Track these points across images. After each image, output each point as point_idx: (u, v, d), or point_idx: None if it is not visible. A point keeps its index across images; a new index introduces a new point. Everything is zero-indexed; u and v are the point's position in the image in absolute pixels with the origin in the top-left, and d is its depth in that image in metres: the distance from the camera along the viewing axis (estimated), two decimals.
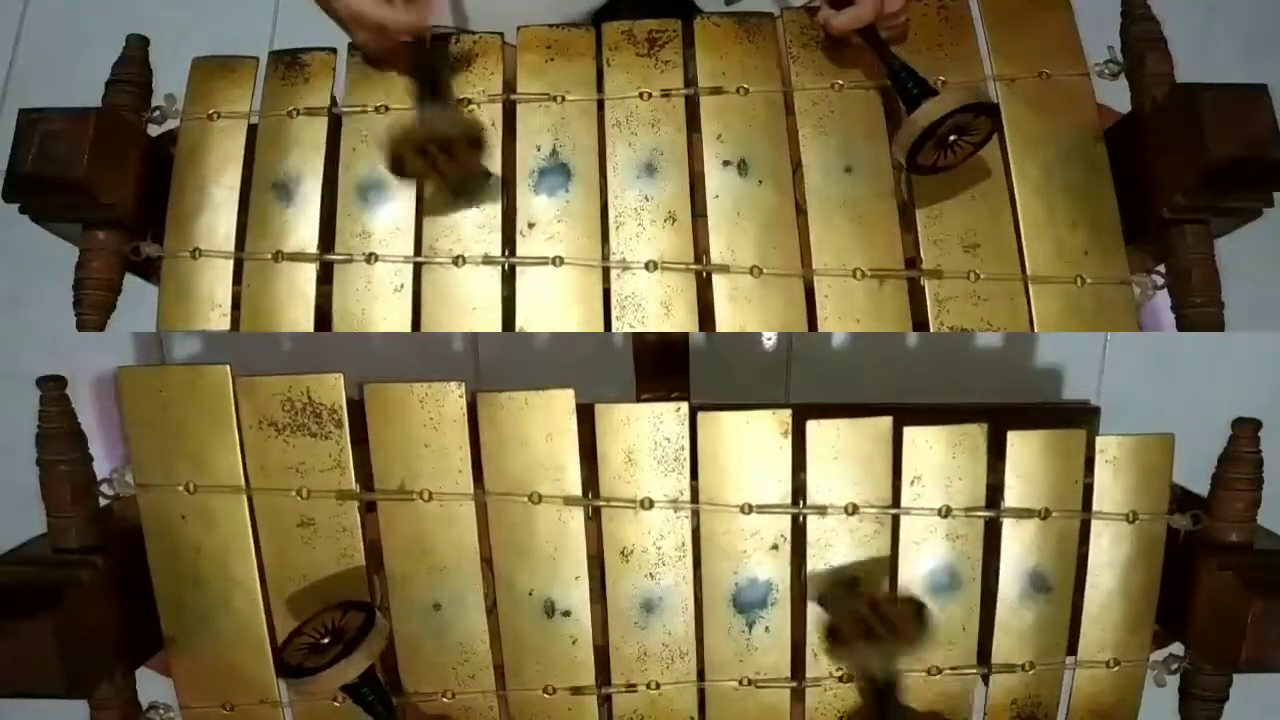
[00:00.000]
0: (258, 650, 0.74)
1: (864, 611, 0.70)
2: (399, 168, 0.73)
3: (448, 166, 0.73)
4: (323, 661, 0.65)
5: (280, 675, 0.66)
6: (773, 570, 0.74)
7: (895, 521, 0.74)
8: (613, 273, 0.75)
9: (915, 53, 0.78)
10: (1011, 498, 0.74)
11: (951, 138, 0.71)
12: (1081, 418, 1.29)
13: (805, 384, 1.42)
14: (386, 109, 0.78)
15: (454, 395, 0.73)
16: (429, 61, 0.75)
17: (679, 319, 0.74)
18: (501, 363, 1.41)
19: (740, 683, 0.75)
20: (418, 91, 0.75)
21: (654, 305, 0.74)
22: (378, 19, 0.73)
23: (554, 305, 0.75)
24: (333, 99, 0.79)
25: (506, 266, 0.75)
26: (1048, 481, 0.74)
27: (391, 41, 0.75)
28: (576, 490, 0.73)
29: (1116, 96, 0.79)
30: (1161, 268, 0.77)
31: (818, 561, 0.74)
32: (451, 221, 0.76)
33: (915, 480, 0.74)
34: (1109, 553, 0.75)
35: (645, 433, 0.73)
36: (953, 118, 0.69)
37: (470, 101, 0.78)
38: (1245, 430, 0.74)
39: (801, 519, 0.74)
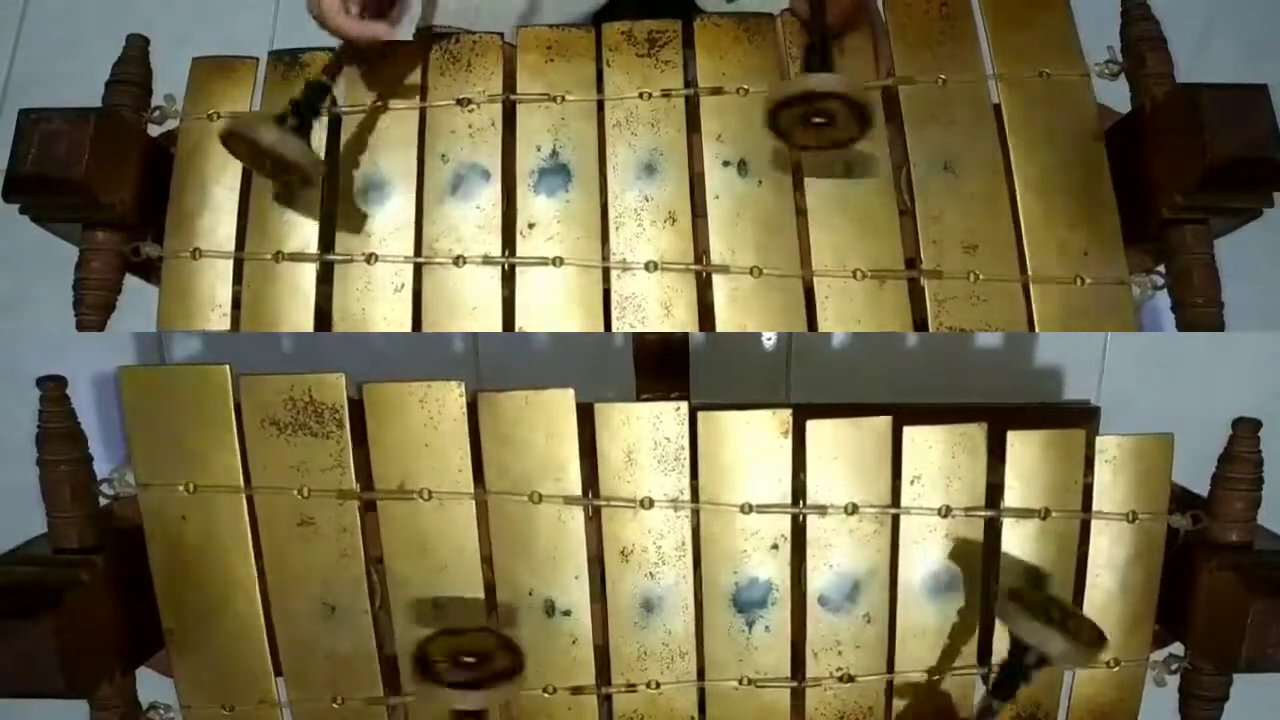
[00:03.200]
0: (258, 650, 0.74)
1: (1051, 601, 0.69)
2: (229, 147, 0.73)
3: (274, 172, 0.74)
4: (460, 679, 0.64)
5: (417, 667, 0.64)
6: (773, 570, 0.74)
7: (895, 521, 0.74)
8: (613, 273, 0.75)
9: (915, 52, 0.78)
10: (1011, 498, 0.74)
11: (817, 119, 0.69)
12: (1081, 418, 1.29)
13: (805, 384, 1.42)
14: (386, 109, 0.78)
15: (454, 395, 0.73)
16: (316, 86, 0.74)
17: (679, 319, 0.74)
18: (501, 363, 1.41)
19: (740, 682, 0.75)
20: (290, 109, 0.73)
21: (654, 305, 0.74)
22: (338, 28, 0.73)
23: (554, 305, 0.75)
24: (333, 99, 0.79)
25: (506, 266, 0.75)
26: (1048, 481, 0.74)
27: (363, 45, 0.75)
28: (576, 490, 0.73)
29: (1116, 96, 0.79)
30: (1161, 268, 0.77)
31: (818, 562, 0.74)
32: (451, 221, 0.76)
33: (915, 480, 0.74)
34: (1109, 553, 0.75)
35: (645, 432, 0.73)
36: (829, 100, 0.68)
37: (470, 102, 0.78)
38: (1245, 430, 0.74)
39: (801, 519, 0.74)
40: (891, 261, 0.75)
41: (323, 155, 0.77)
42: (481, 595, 0.74)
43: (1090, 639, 0.67)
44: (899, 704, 0.76)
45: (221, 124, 0.73)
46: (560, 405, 0.72)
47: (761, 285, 0.74)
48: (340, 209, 0.77)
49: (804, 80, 0.69)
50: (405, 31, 0.77)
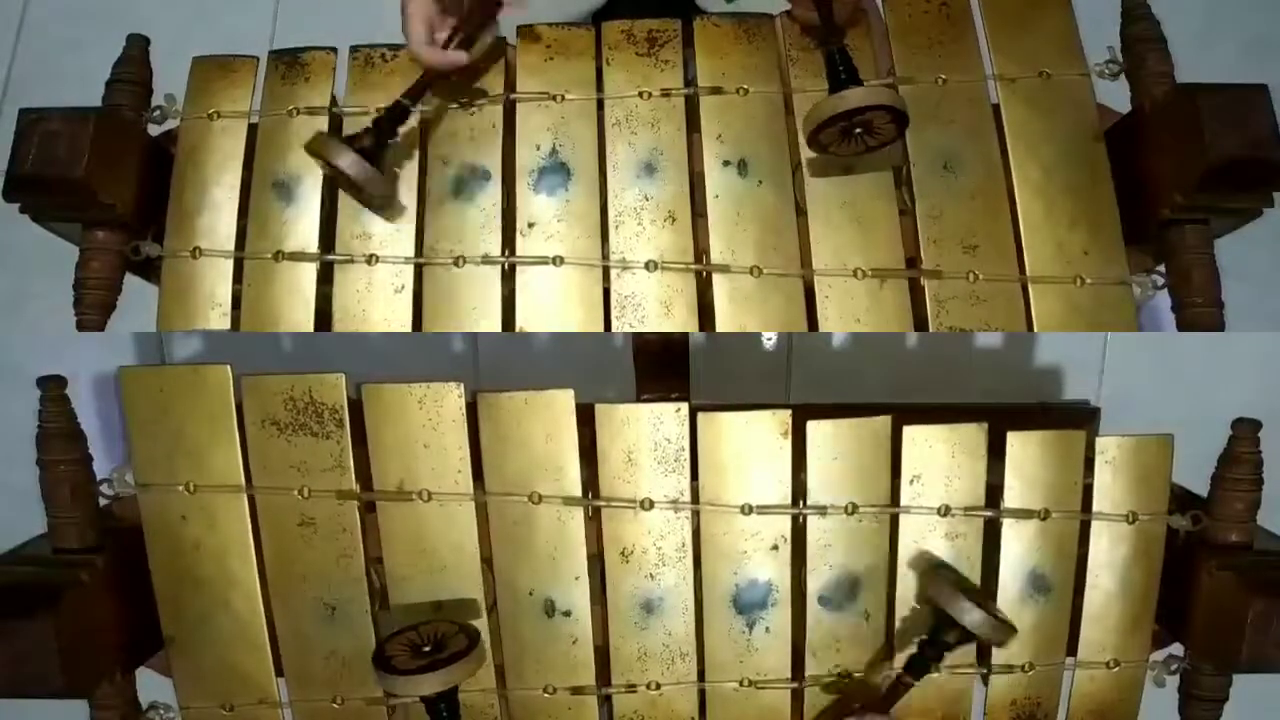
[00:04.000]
0: (258, 650, 0.74)
1: (971, 586, 0.73)
2: (313, 153, 0.74)
3: (349, 187, 0.75)
4: (415, 666, 0.66)
5: (376, 665, 0.67)
6: (773, 571, 0.74)
7: (895, 521, 0.74)
8: (613, 272, 0.75)
9: (915, 51, 0.78)
10: (1011, 498, 0.74)
11: (858, 130, 0.71)
12: (1081, 418, 1.29)
13: (805, 384, 1.42)
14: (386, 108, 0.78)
15: (454, 395, 0.73)
16: (396, 109, 0.75)
17: (679, 319, 0.74)
18: (501, 363, 1.40)
19: (740, 683, 0.75)
20: (368, 130, 0.74)
21: (654, 305, 0.74)
22: (421, 58, 0.74)
23: (554, 305, 0.75)
24: (333, 99, 0.79)
25: (506, 266, 0.75)
26: (1047, 482, 0.74)
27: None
28: (576, 490, 0.73)
29: (1116, 96, 0.79)
30: (1161, 268, 0.77)
31: (818, 562, 0.74)
32: (452, 222, 0.76)
33: (915, 480, 0.74)
34: (1109, 553, 0.75)
35: (645, 433, 0.73)
36: (867, 113, 0.69)
37: (470, 102, 0.78)
38: (1245, 430, 0.74)
39: (801, 519, 0.74)
40: (891, 261, 0.75)
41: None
42: (481, 595, 0.74)
43: (1005, 621, 0.70)
44: (899, 703, 0.76)
45: (306, 141, 0.75)
46: (560, 405, 0.72)
47: (761, 285, 0.74)
48: (340, 209, 0.77)
49: (841, 100, 0.69)
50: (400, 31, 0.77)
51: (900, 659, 0.74)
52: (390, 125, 0.74)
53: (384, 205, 0.76)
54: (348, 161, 0.71)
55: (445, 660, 0.67)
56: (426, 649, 0.68)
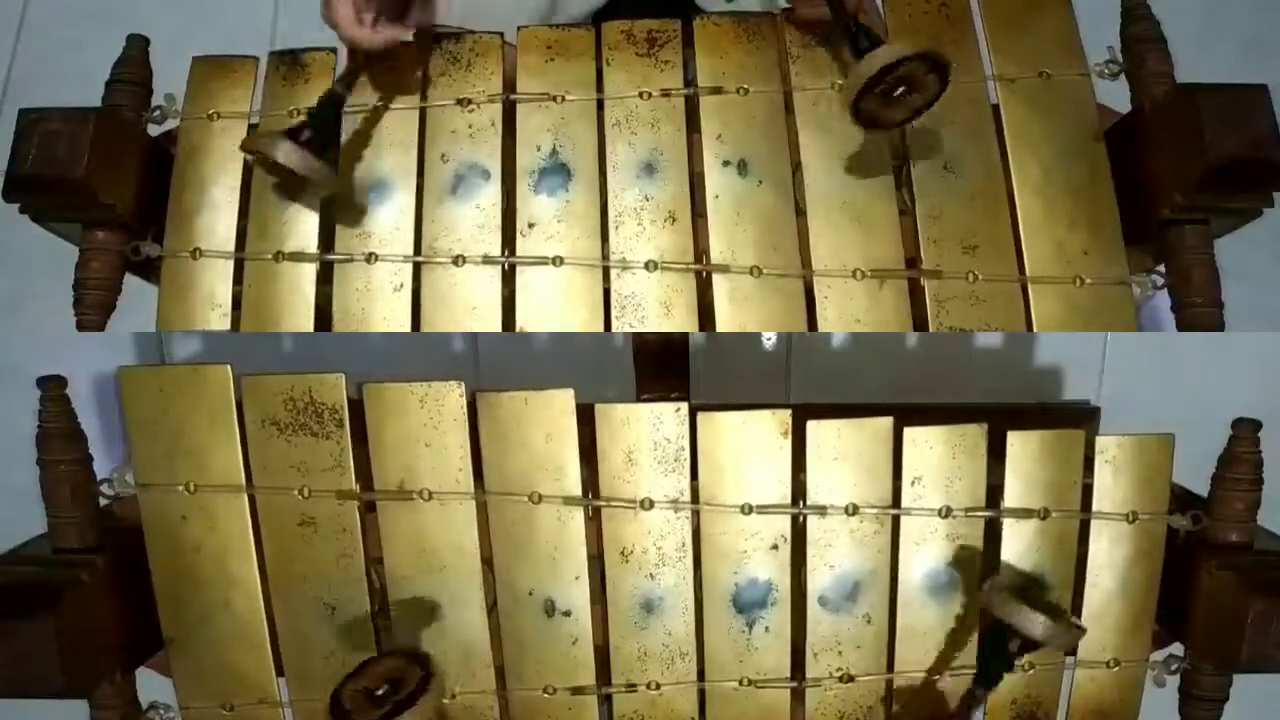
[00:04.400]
0: (258, 650, 0.74)
1: (1031, 584, 0.71)
2: (254, 160, 0.74)
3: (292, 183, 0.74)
4: (375, 716, 0.63)
5: (331, 715, 0.64)
6: (773, 570, 0.74)
7: (895, 522, 0.74)
8: (613, 273, 0.75)
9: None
10: (1011, 498, 0.74)
11: (899, 90, 0.68)
12: (1081, 418, 1.29)
13: (805, 384, 1.42)
14: (386, 109, 0.78)
15: (454, 395, 0.73)
16: (329, 97, 0.74)
17: (679, 319, 0.74)
18: (501, 363, 1.41)
19: (740, 683, 0.75)
20: (305, 121, 0.73)
21: (654, 305, 0.74)
22: (353, 39, 0.73)
23: (554, 305, 0.75)
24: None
25: (506, 266, 0.75)
26: (1047, 481, 0.74)
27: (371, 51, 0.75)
28: (576, 490, 0.73)
29: (1116, 96, 0.79)
30: (1161, 268, 0.77)
31: (818, 562, 0.74)
32: (451, 221, 0.76)
33: (915, 480, 0.74)
34: (1109, 553, 0.75)
35: (645, 433, 0.73)
36: (903, 65, 0.66)
37: (470, 102, 0.78)
38: (1245, 430, 0.74)
39: (801, 519, 0.74)
40: (891, 261, 0.75)
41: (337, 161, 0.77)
42: (481, 595, 0.74)
43: (1070, 623, 0.68)
44: (899, 704, 0.76)
45: (242, 140, 0.74)
46: (560, 405, 0.72)
47: (761, 285, 0.74)
48: (340, 209, 0.77)
49: (873, 59, 0.66)
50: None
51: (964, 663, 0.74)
52: (329, 113, 0.73)
53: (326, 189, 0.75)
54: (291, 154, 0.69)
55: (404, 702, 0.63)
56: (380, 693, 0.65)
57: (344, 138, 0.78)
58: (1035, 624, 0.66)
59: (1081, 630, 0.69)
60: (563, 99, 0.78)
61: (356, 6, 0.73)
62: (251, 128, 0.79)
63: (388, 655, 0.68)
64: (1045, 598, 0.72)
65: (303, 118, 0.74)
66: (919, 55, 0.67)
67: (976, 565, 0.74)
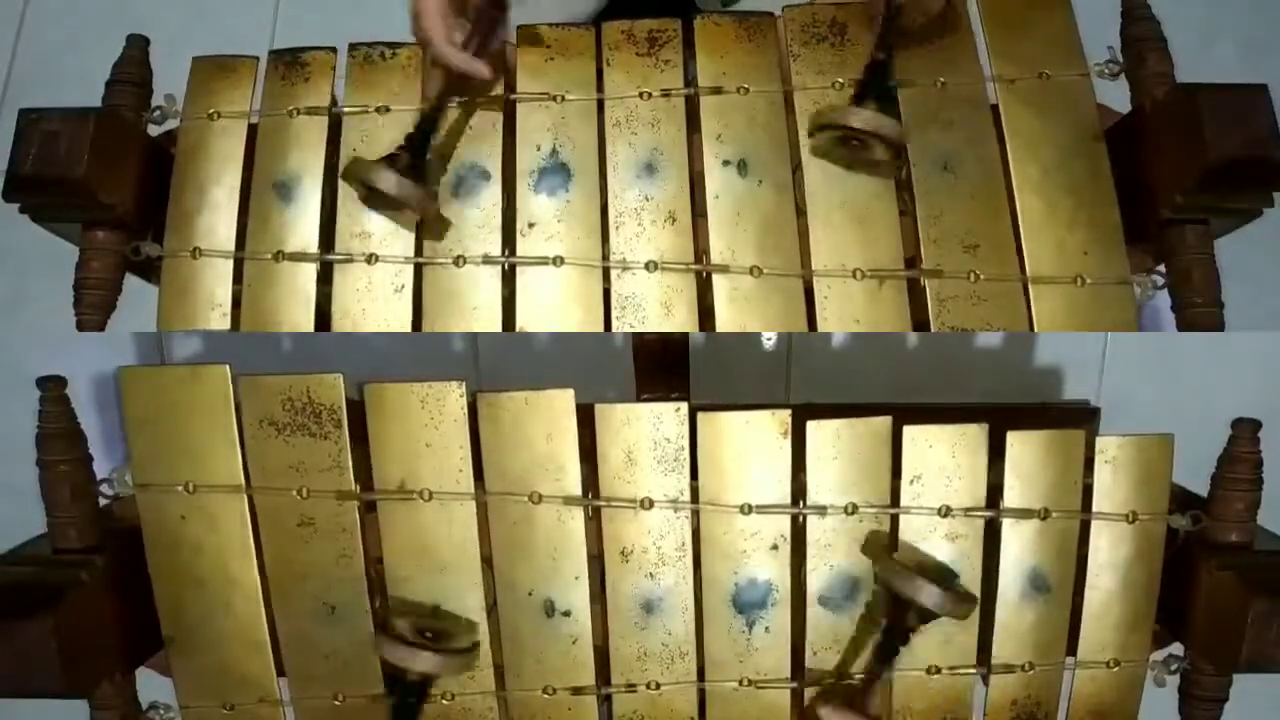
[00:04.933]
0: (258, 650, 0.74)
1: (927, 559, 0.73)
2: (351, 177, 0.74)
3: (389, 206, 0.75)
4: (413, 641, 0.70)
5: (377, 623, 0.72)
6: (773, 570, 0.74)
7: (895, 521, 0.74)
8: (613, 273, 0.75)
9: (915, 51, 0.78)
10: (1011, 498, 0.74)
11: (854, 141, 0.73)
12: (1081, 418, 1.29)
13: (805, 384, 1.42)
14: (387, 109, 0.78)
15: (454, 395, 0.73)
16: (428, 120, 0.75)
17: (679, 319, 0.74)
18: (501, 363, 1.41)
19: (740, 683, 0.75)
20: (402, 146, 0.74)
21: (654, 305, 0.74)
22: (446, 59, 0.73)
23: (554, 305, 0.75)
24: (333, 99, 0.79)
25: (506, 266, 0.75)
26: (1048, 481, 0.74)
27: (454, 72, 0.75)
28: (576, 490, 0.73)
29: (1116, 96, 0.79)
30: (1161, 268, 0.77)
31: (818, 562, 0.74)
32: (452, 221, 0.76)
33: (915, 480, 0.74)
34: (1109, 553, 0.75)
35: (645, 433, 0.73)
36: (870, 135, 0.72)
37: (470, 102, 0.78)
38: (1245, 430, 0.74)
39: (801, 519, 0.74)
40: (891, 261, 0.75)
41: (322, 155, 0.77)
42: (481, 595, 0.74)
43: (962, 592, 0.70)
44: (899, 704, 0.76)
45: (342, 170, 0.75)
46: (560, 405, 0.72)
47: (761, 285, 0.74)
48: (340, 209, 0.77)
49: (849, 114, 0.71)
50: (400, 30, 0.77)
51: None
52: (424, 138, 0.74)
53: (429, 217, 0.76)
54: (391, 182, 0.71)
55: (443, 650, 0.69)
56: (428, 635, 0.71)
57: (344, 139, 0.78)
58: (929, 594, 0.68)
59: (973, 599, 0.71)
60: (563, 99, 0.78)
61: (448, 25, 0.73)
62: (251, 128, 0.79)
63: (443, 610, 0.73)
64: (942, 576, 0.73)
65: (400, 144, 0.74)
66: (885, 137, 0.71)
67: (976, 565, 0.74)
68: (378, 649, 0.71)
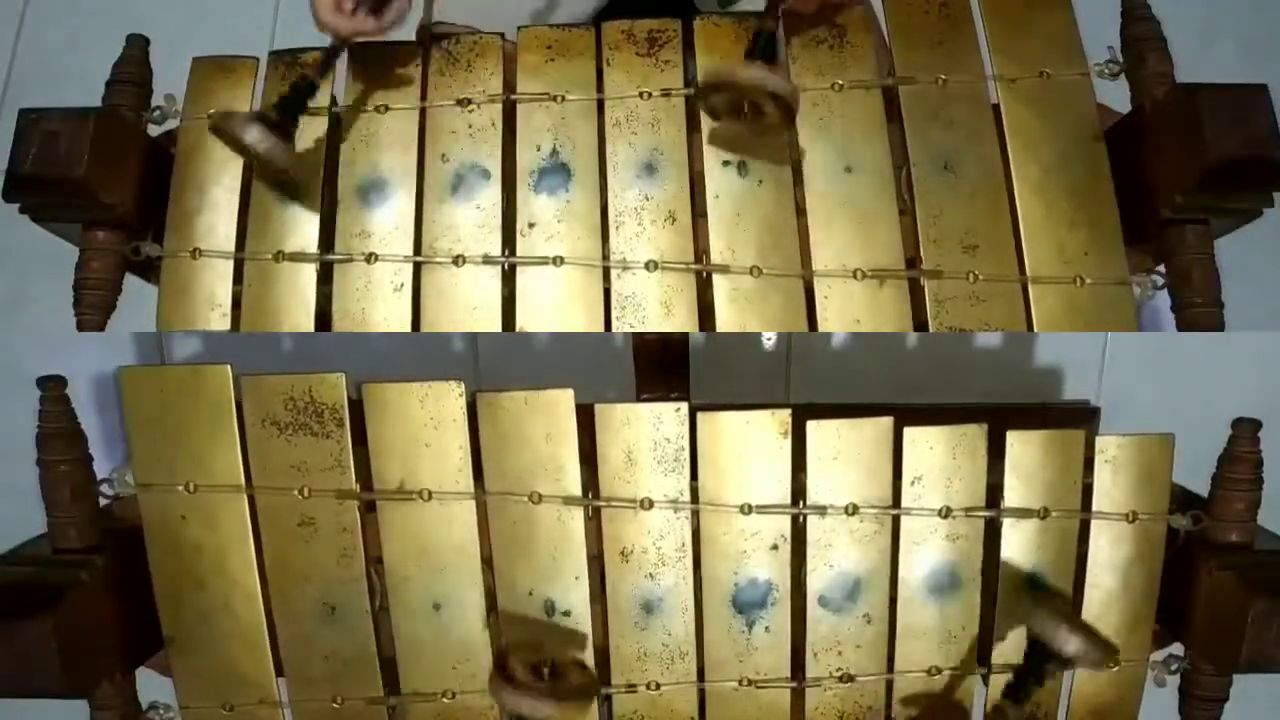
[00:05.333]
0: (258, 650, 0.74)
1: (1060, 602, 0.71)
2: (221, 139, 0.74)
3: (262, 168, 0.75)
4: (532, 686, 0.67)
5: (495, 670, 0.68)
6: (773, 570, 0.74)
7: (895, 522, 0.74)
8: (613, 273, 0.75)
9: (915, 51, 0.78)
10: (1011, 498, 0.74)
11: (746, 106, 0.71)
12: (1081, 418, 1.29)
13: (805, 384, 1.42)
14: (386, 109, 0.78)
15: (454, 395, 0.73)
16: (302, 85, 0.74)
17: (679, 319, 0.74)
18: (501, 363, 1.41)
19: (740, 683, 0.75)
20: (275, 106, 0.74)
21: (654, 305, 0.74)
22: (328, 25, 0.73)
23: (554, 305, 0.75)
24: (333, 99, 0.79)
25: (506, 266, 0.75)
26: (1047, 481, 0.74)
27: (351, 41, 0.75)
28: (576, 490, 0.73)
29: (1116, 96, 0.79)
30: (1161, 268, 0.77)
31: (818, 562, 0.74)
32: (451, 221, 0.76)
33: (915, 480, 0.74)
34: (1109, 553, 0.75)
35: (645, 433, 0.73)
36: (759, 94, 0.69)
37: (470, 102, 0.78)
38: (1245, 430, 0.74)
39: (801, 519, 0.74)
40: (891, 261, 0.75)
41: (323, 155, 0.77)
42: (481, 595, 0.74)
43: (1104, 642, 0.67)
44: (899, 704, 0.76)
45: (211, 118, 0.74)
46: (560, 405, 0.72)
47: (761, 285, 0.74)
48: (340, 209, 0.77)
49: (740, 70, 0.69)
50: (399, 30, 0.77)
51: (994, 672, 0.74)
52: (298, 100, 0.74)
53: (300, 185, 0.75)
54: (255, 134, 0.70)
55: (564, 693, 0.66)
56: (546, 670, 0.68)
57: (344, 139, 0.78)
58: (1070, 644, 0.66)
59: (1115, 649, 0.68)
60: (563, 99, 0.78)
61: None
62: None
63: (552, 645, 0.71)
64: (1058, 595, 0.72)
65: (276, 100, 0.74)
66: (776, 94, 0.69)
67: (977, 565, 0.74)
68: (494, 694, 0.69)
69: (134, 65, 0.80)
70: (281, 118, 0.73)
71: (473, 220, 0.76)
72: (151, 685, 0.77)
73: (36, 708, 0.69)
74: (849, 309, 0.74)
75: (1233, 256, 0.82)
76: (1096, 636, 0.67)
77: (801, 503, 0.74)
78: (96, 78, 0.80)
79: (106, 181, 0.73)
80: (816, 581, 0.74)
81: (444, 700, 0.75)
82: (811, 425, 0.73)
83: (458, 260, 0.75)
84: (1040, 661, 0.68)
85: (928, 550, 0.74)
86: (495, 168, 0.77)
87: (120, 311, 0.78)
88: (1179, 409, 1.34)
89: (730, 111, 0.72)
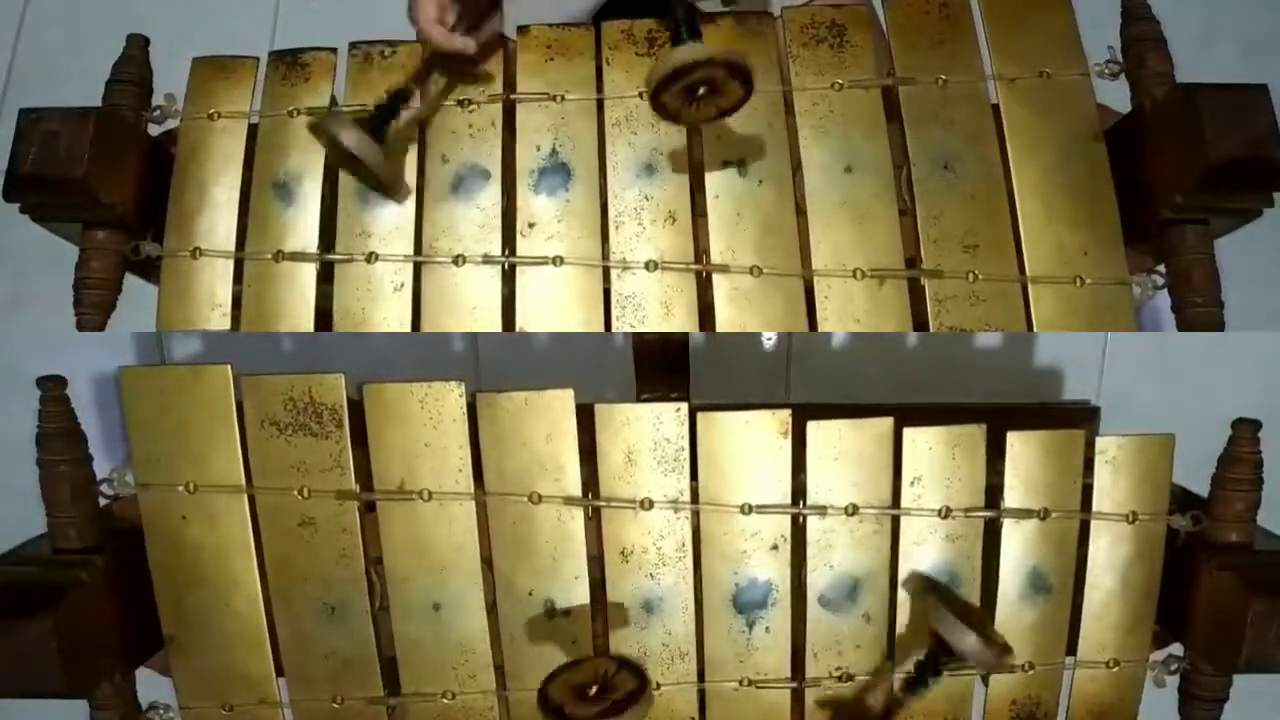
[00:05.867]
0: (258, 650, 0.74)
1: (970, 605, 0.72)
2: (317, 138, 0.75)
3: (352, 169, 0.76)
4: (593, 712, 0.63)
5: (541, 709, 0.63)
6: (773, 570, 0.74)
7: (895, 522, 0.74)
8: (613, 273, 0.75)
9: (915, 51, 0.78)
10: (1011, 498, 0.74)
11: (701, 90, 0.68)
12: (1081, 418, 1.29)
13: (805, 384, 1.42)
14: None
15: (454, 395, 0.73)
16: (399, 92, 0.75)
17: (679, 319, 0.74)
18: (501, 363, 1.41)
19: (740, 683, 0.75)
20: (372, 111, 0.75)
21: (654, 305, 0.74)
22: (428, 37, 0.75)
23: (554, 305, 0.75)
24: (333, 99, 0.79)
25: (506, 266, 0.75)
26: (1047, 482, 0.74)
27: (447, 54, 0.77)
28: (576, 490, 0.73)
29: (1116, 96, 0.79)
30: (1161, 268, 0.77)
31: (818, 562, 0.74)
32: (451, 221, 0.76)
33: (915, 481, 0.74)
34: (1109, 553, 0.75)
35: (645, 433, 0.73)
36: (703, 69, 0.66)
37: (470, 102, 0.78)
38: (1245, 430, 0.74)
39: (801, 519, 0.74)
40: (891, 261, 0.75)
41: (323, 155, 0.77)
42: (481, 595, 0.74)
43: (1002, 645, 0.69)
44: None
45: (309, 119, 0.76)
46: (560, 405, 0.72)
47: (761, 285, 0.74)
48: (340, 209, 0.77)
49: (672, 55, 0.67)
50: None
51: (899, 671, 0.75)
52: (393, 105, 0.75)
53: (389, 185, 0.76)
54: (352, 137, 0.71)
55: (623, 702, 0.63)
56: (592, 690, 0.64)
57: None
58: (965, 640, 0.67)
59: (1007, 650, 0.70)
60: (563, 99, 0.78)
61: (440, 7, 0.74)
62: (251, 128, 0.79)
63: (601, 656, 0.69)
64: (965, 600, 0.73)
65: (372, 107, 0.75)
66: (720, 62, 0.67)
67: (976, 566, 0.74)
68: None
69: (134, 65, 0.80)
70: (375, 122, 0.74)
71: (473, 220, 0.76)
72: (151, 685, 0.77)
73: (36, 708, 0.69)
74: (849, 309, 0.74)
75: (1233, 256, 0.82)
76: (992, 639, 0.69)
77: (801, 503, 0.74)
78: (96, 78, 0.80)
79: (106, 181, 0.73)
80: (816, 581, 0.74)
81: (444, 700, 0.75)
82: (811, 425, 0.73)
83: (458, 260, 0.75)
84: (936, 657, 0.70)
85: (927, 550, 0.74)
86: (495, 168, 0.77)
87: (120, 311, 0.78)
88: (1179, 409, 1.34)
89: (687, 104, 0.69)
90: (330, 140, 0.73)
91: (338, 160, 0.76)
